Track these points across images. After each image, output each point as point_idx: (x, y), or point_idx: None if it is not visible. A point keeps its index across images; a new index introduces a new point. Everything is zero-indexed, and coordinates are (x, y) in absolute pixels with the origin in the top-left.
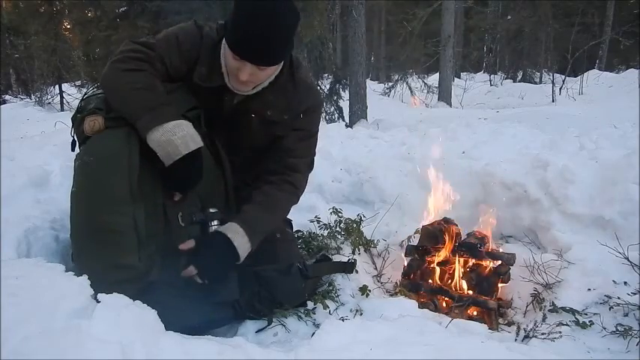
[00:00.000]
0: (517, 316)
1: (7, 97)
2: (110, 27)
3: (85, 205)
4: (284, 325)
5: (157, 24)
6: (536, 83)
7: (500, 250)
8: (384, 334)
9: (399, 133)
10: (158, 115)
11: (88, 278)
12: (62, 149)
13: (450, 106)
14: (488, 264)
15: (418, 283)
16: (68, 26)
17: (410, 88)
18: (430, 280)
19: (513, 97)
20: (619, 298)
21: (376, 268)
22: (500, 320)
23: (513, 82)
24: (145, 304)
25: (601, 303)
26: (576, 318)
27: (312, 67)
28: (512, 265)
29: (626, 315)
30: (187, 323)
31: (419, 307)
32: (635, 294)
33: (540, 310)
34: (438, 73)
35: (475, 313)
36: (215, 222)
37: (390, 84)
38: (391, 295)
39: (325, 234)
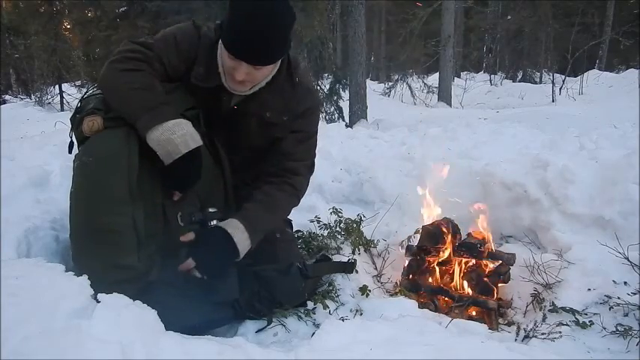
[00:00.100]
0: (517, 316)
1: (7, 97)
2: (110, 27)
3: (84, 205)
4: (284, 325)
5: (156, 24)
6: (536, 83)
7: (500, 249)
8: (384, 334)
9: (399, 133)
10: (157, 115)
11: (88, 278)
12: (62, 149)
13: (450, 106)
14: (488, 264)
15: (418, 283)
16: (68, 26)
17: (410, 88)
18: (430, 280)
19: (513, 97)
20: (619, 298)
21: (376, 268)
22: (500, 320)
23: (513, 82)
24: (145, 304)
25: (601, 303)
26: (576, 318)
27: (312, 67)
28: (512, 265)
29: (626, 315)
30: (187, 323)
31: (419, 307)
32: (635, 294)
33: (540, 310)
34: (438, 73)
35: (475, 313)
36: (214, 221)
37: (390, 84)
38: (391, 295)
39: (325, 234)
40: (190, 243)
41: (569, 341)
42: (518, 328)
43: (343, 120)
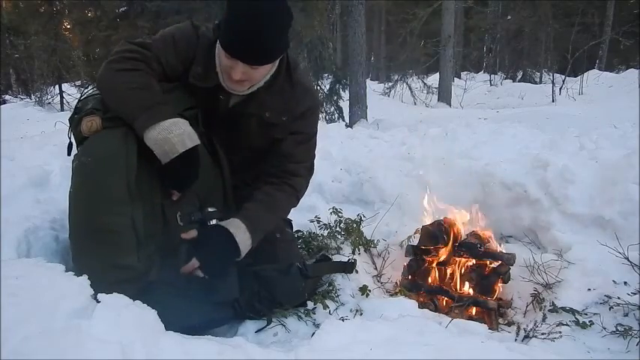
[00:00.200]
0: (517, 316)
1: (7, 97)
2: (110, 27)
3: (83, 205)
4: (284, 325)
5: (156, 24)
6: (536, 83)
7: (500, 249)
8: (384, 334)
9: (399, 133)
10: (155, 114)
11: (88, 278)
12: (62, 149)
13: (450, 106)
14: (489, 264)
15: (418, 283)
16: (68, 26)
17: (410, 88)
18: (430, 280)
19: (513, 97)
20: (619, 298)
21: (376, 268)
22: (500, 320)
23: (513, 82)
24: (144, 304)
25: (601, 303)
26: (576, 318)
27: (312, 67)
28: (512, 265)
29: (626, 315)
30: (187, 323)
31: (419, 307)
32: (635, 294)
33: (540, 310)
34: (438, 73)
35: (475, 313)
36: (214, 221)
37: (390, 84)
38: (391, 295)
39: (325, 234)
40: (192, 241)
41: (569, 341)
42: (518, 328)
43: (343, 120)
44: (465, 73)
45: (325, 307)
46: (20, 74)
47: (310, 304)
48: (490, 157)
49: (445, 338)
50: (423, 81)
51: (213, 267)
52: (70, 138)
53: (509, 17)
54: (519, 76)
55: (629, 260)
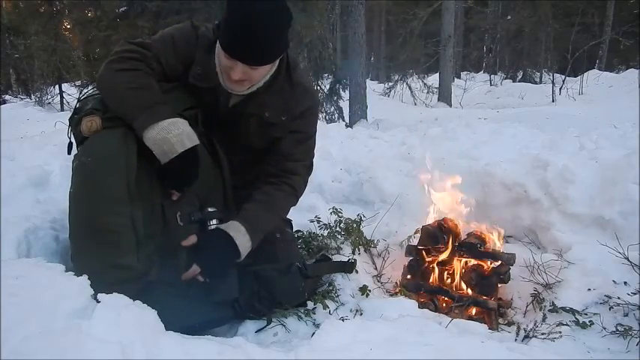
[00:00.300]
0: (517, 316)
1: (7, 97)
2: (110, 27)
3: (83, 205)
4: (284, 325)
5: (156, 24)
6: (536, 83)
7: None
8: (384, 334)
9: (399, 133)
10: (154, 114)
11: (88, 278)
12: (62, 149)
13: (450, 106)
14: (489, 264)
15: (418, 283)
16: (68, 26)
17: (410, 88)
18: (430, 280)
19: (513, 97)
20: (619, 298)
21: (376, 268)
22: (500, 320)
23: (513, 82)
24: (144, 304)
25: (601, 303)
26: (576, 318)
27: (312, 67)
28: (512, 265)
29: (626, 315)
30: (187, 323)
31: (419, 307)
32: (635, 294)
33: (540, 310)
34: (438, 73)
35: (475, 313)
36: (214, 221)
37: (390, 84)
38: (391, 295)
39: (325, 234)
40: (192, 247)
41: (569, 341)
42: (518, 328)
43: (343, 120)
44: (465, 73)
45: (325, 307)
46: (20, 74)
47: (310, 304)
48: (490, 157)
49: (445, 338)
50: (423, 81)
51: (214, 271)
52: (70, 138)
53: (509, 17)
54: (519, 76)
55: (629, 260)
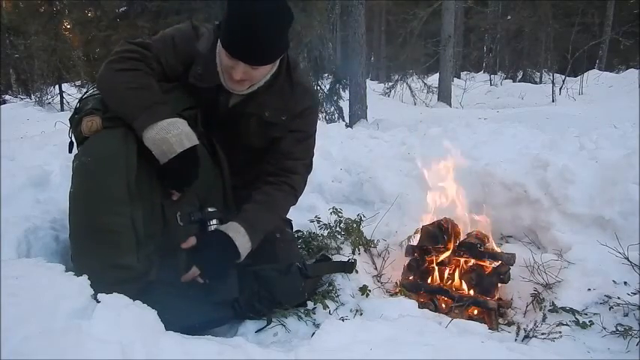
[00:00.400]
0: (517, 316)
1: (7, 97)
2: (110, 27)
3: (83, 205)
4: (284, 325)
5: (156, 24)
6: (536, 83)
7: (499, 249)
8: (384, 334)
9: (399, 133)
10: (153, 114)
11: (88, 278)
12: (62, 149)
13: (450, 106)
14: (489, 264)
15: (418, 283)
16: (68, 26)
17: (410, 88)
18: (430, 280)
19: (513, 97)
20: (619, 298)
21: (376, 268)
22: (500, 320)
23: (513, 82)
24: (144, 304)
25: (601, 303)
26: (576, 318)
27: (312, 67)
28: (512, 265)
29: (626, 315)
30: (187, 323)
31: (419, 307)
32: (635, 294)
33: (540, 310)
34: (438, 73)
35: (475, 313)
36: (214, 221)
37: (390, 84)
38: (391, 295)
39: (325, 234)
40: (191, 249)
41: (569, 341)
42: (518, 328)
43: (343, 120)
44: (465, 73)
45: (325, 307)
46: (20, 74)
47: (310, 304)
48: (490, 157)
49: (445, 338)
50: (423, 81)
51: (213, 273)
52: (70, 138)
53: (509, 17)
54: (519, 76)
55: (629, 260)
